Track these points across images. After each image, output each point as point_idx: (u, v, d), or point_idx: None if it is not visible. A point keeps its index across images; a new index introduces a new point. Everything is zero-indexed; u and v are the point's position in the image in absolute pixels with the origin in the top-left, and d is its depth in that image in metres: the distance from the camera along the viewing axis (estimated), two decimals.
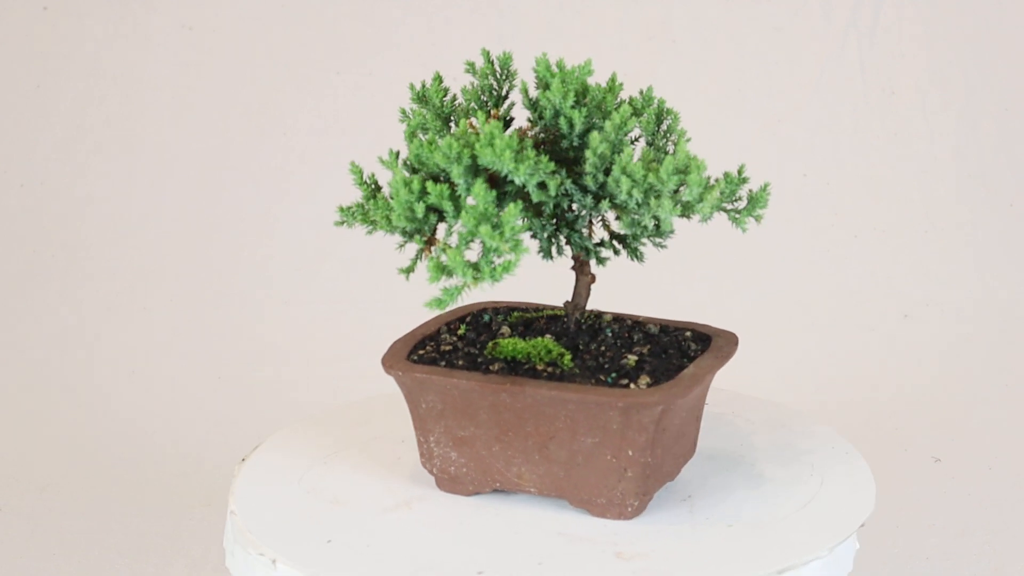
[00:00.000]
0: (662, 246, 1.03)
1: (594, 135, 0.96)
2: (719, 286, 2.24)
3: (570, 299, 1.09)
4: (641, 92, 1.04)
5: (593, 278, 1.08)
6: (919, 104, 2.33)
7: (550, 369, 1.03)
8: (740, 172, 1.02)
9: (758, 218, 1.02)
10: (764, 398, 1.34)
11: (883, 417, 2.00)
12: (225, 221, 2.31)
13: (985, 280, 2.24)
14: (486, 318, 1.15)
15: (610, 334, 1.08)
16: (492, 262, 0.91)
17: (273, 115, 2.35)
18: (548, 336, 1.07)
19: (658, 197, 0.95)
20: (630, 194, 0.95)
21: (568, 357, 1.04)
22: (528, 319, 1.13)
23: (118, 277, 2.26)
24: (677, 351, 1.07)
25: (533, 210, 1.01)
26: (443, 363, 1.06)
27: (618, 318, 1.13)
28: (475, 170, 0.97)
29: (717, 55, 2.34)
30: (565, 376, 1.02)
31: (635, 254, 1.04)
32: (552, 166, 0.96)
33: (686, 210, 0.96)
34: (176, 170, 2.34)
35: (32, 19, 2.36)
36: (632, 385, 1.00)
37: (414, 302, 2.22)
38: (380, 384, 2.11)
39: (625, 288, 2.05)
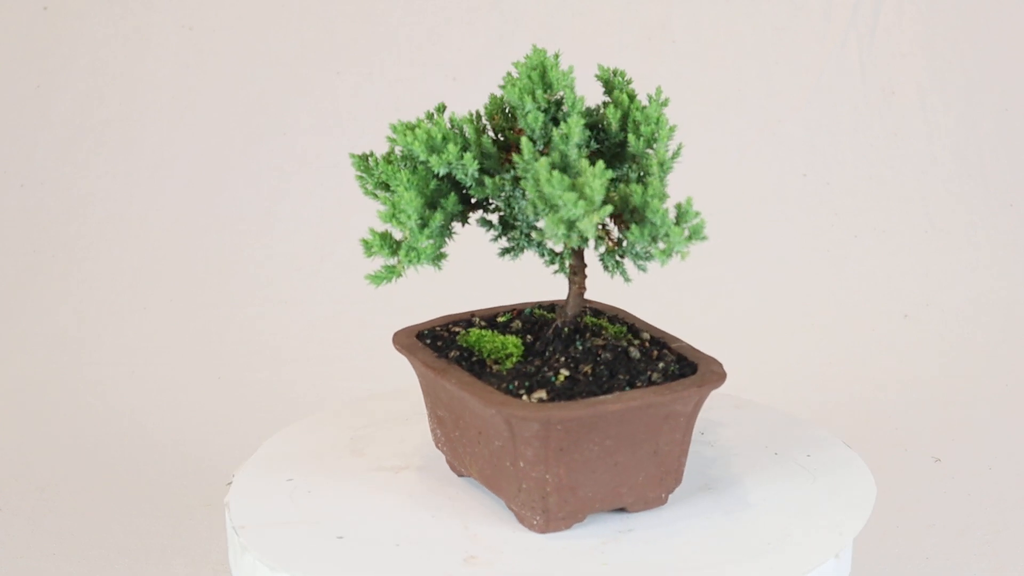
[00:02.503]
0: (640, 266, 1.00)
1: (524, 140, 0.96)
2: (719, 286, 2.24)
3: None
4: (627, 95, 1.03)
5: (582, 287, 1.06)
6: (919, 104, 2.33)
7: (496, 367, 1.03)
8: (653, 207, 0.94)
9: (682, 255, 0.96)
10: (759, 401, 1.34)
11: (883, 417, 2.00)
12: (225, 221, 2.31)
13: (985, 280, 2.24)
14: (527, 312, 1.16)
15: (579, 347, 1.04)
16: (412, 247, 0.97)
17: (273, 115, 2.35)
18: (516, 335, 1.08)
19: (554, 210, 0.93)
20: (532, 204, 0.94)
21: (513, 359, 1.04)
22: (535, 318, 1.13)
23: (118, 277, 2.26)
24: (629, 375, 1.01)
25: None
26: (432, 345, 1.09)
27: (595, 327, 1.10)
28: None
29: (717, 55, 2.34)
30: (486, 375, 1.02)
31: (614, 268, 1.01)
32: (475, 164, 0.98)
33: (570, 230, 0.92)
34: (176, 170, 2.34)
35: (32, 19, 2.36)
36: (529, 396, 0.98)
37: (414, 302, 2.22)
38: (380, 384, 2.11)
39: (625, 287, 2.05)
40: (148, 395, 2.07)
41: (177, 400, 2.05)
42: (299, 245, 2.29)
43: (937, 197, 2.30)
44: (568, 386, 0.99)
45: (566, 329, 1.06)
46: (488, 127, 1.05)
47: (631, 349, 1.04)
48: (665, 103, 1.01)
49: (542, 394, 0.98)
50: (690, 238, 0.92)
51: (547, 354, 1.04)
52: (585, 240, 0.93)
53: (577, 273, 1.06)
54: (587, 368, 1.01)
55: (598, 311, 1.16)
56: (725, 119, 2.33)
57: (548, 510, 1.01)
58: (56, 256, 2.29)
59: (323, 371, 2.10)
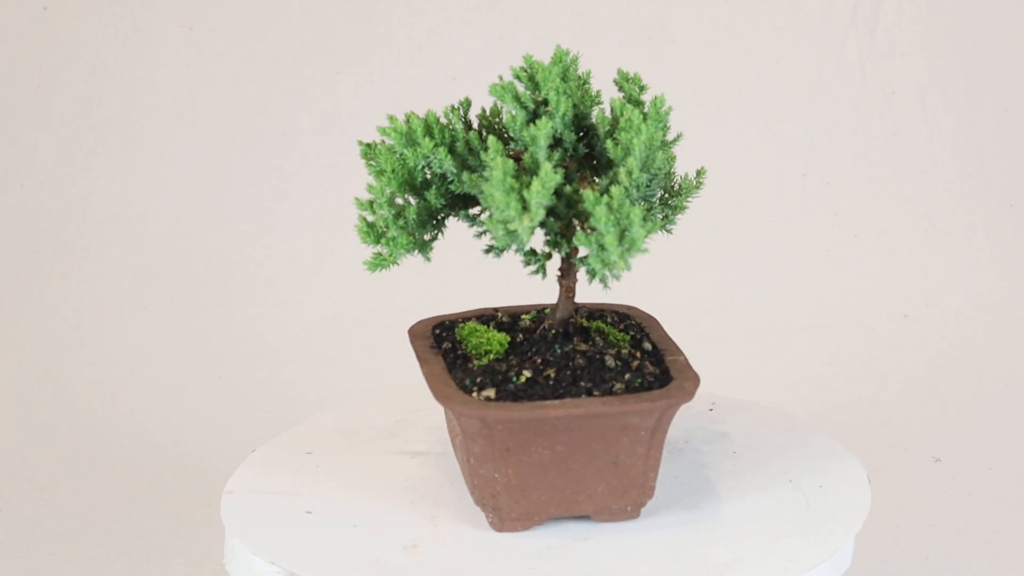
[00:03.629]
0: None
1: (492, 139, 0.96)
2: (718, 286, 2.24)
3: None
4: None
5: (570, 290, 1.06)
6: (919, 104, 2.33)
7: (474, 362, 1.04)
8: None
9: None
10: (756, 401, 1.34)
11: (883, 417, 1.99)
12: (225, 221, 2.31)
13: (985, 280, 2.24)
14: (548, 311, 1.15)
15: (558, 350, 1.04)
16: (390, 237, 1.00)
17: (273, 115, 2.35)
18: (506, 333, 1.08)
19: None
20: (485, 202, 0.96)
21: (491, 356, 1.05)
22: (536, 317, 1.13)
23: (118, 277, 2.26)
24: (592, 383, 1.00)
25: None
26: (436, 336, 1.11)
27: (596, 332, 1.08)
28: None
29: (717, 55, 2.34)
30: (457, 369, 1.03)
31: (590, 273, 1.00)
32: (448, 159, 0.99)
33: (508, 232, 0.93)
34: (176, 170, 2.34)
35: (32, 19, 2.36)
36: (479, 393, 0.99)
37: (414, 302, 2.22)
38: (380, 383, 2.11)
39: (624, 287, 2.05)
40: (148, 395, 2.06)
41: (177, 400, 2.05)
42: (299, 245, 2.29)
43: (937, 197, 2.30)
44: (524, 387, 0.99)
45: (552, 331, 1.06)
46: (488, 124, 1.06)
47: (607, 358, 1.02)
48: (659, 112, 0.99)
49: (490, 392, 0.99)
50: (628, 250, 0.91)
51: (528, 354, 1.04)
52: (522, 243, 0.93)
53: (565, 276, 1.05)
54: (551, 372, 1.01)
55: (604, 313, 1.14)
56: (725, 119, 2.32)
57: (499, 509, 1.02)
58: (56, 256, 2.29)
59: (323, 371, 2.10)
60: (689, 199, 1.08)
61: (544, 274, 1.04)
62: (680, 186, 1.08)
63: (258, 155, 2.34)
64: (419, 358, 1.07)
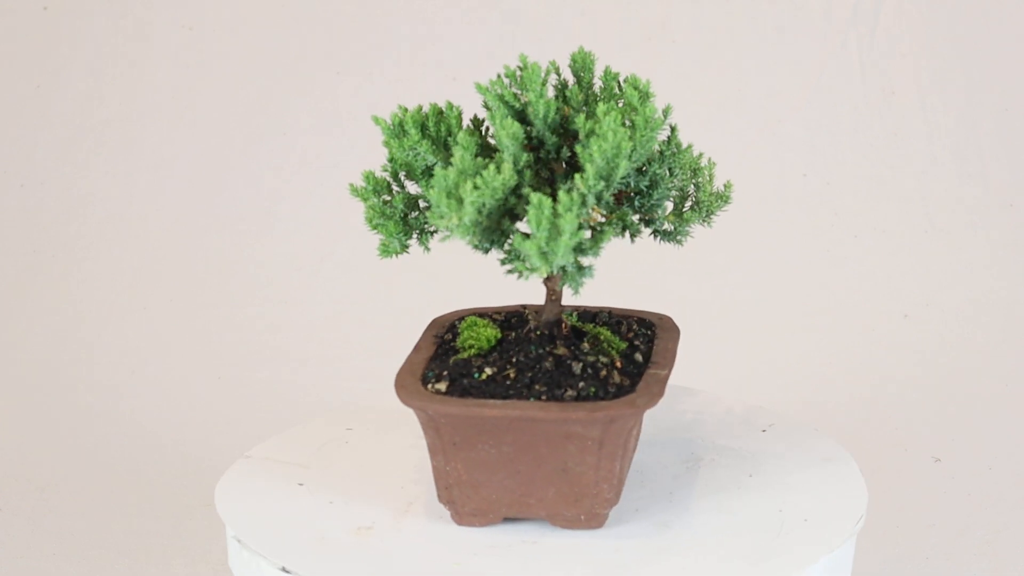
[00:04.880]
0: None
1: (462, 134, 0.98)
2: (718, 286, 2.24)
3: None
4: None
5: (553, 292, 1.06)
6: (919, 104, 2.33)
7: (460, 353, 1.05)
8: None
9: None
10: (753, 401, 1.34)
11: (883, 417, 2.00)
12: (225, 221, 2.31)
13: (985, 280, 2.24)
14: (567, 314, 1.15)
15: (533, 351, 1.04)
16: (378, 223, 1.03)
17: (273, 115, 2.35)
18: (499, 330, 1.09)
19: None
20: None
21: (473, 351, 1.05)
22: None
23: (118, 277, 2.26)
24: (547, 387, 1.00)
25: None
26: (447, 328, 1.13)
27: (589, 338, 1.08)
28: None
29: (717, 55, 2.34)
30: (437, 360, 1.05)
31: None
32: (429, 153, 1.01)
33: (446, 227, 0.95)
34: (176, 170, 2.34)
35: (32, 19, 2.37)
36: (433, 385, 1.01)
37: (414, 302, 2.22)
38: (381, 384, 2.11)
39: (624, 286, 2.05)
40: (148, 395, 2.06)
41: (177, 400, 2.05)
42: (299, 245, 2.29)
43: (937, 197, 2.30)
44: (481, 384, 1.00)
45: (535, 333, 1.05)
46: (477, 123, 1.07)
47: (574, 364, 1.02)
48: (648, 121, 0.97)
49: (442, 386, 1.00)
50: (547, 256, 0.91)
51: (507, 354, 1.04)
52: (465, 237, 0.95)
53: (551, 279, 1.05)
54: (511, 372, 1.01)
55: (624, 318, 1.13)
56: (725, 119, 2.33)
57: (454, 502, 1.03)
58: (56, 256, 2.29)
59: (323, 371, 2.10)
60: (705, 217, 1.07)
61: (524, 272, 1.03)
62: (700, 199, 1.07)
63: (258, 155, 2.34)
64: (415, 346, 1.08)
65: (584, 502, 1.01)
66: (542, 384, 1.00)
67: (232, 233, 2.30)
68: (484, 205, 0.94)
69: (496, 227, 0.97)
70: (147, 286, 2.26)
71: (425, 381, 1.02)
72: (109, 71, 2.36)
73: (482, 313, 1.14)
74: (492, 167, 0.93)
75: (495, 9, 2.35)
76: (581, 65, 1.06)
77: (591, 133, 0.96)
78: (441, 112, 1.04)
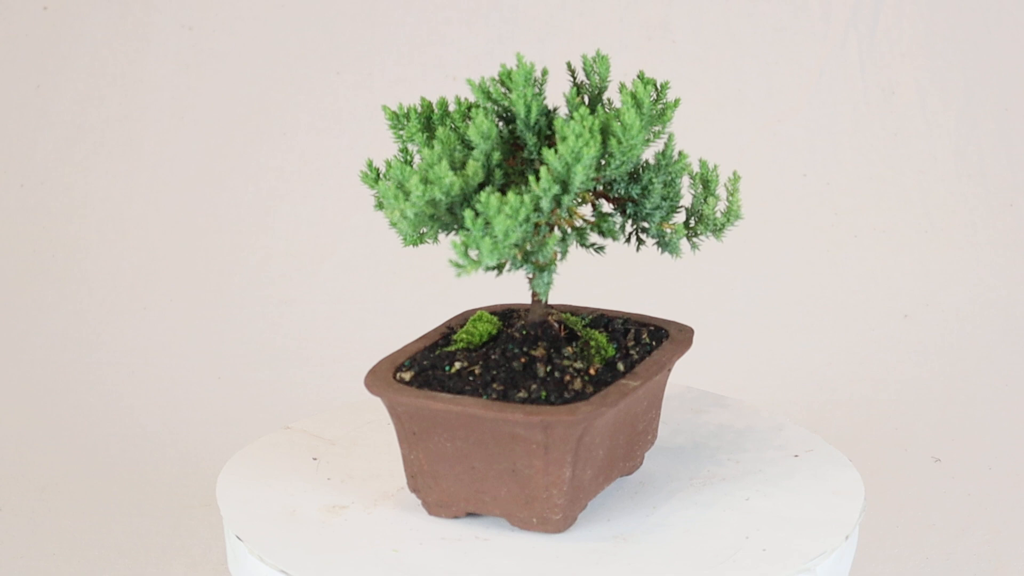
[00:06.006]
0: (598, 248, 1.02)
1: (441, 129, 1.00)
2: (718, 286, 2.24)
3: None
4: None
5: (536, 294, 1.05)
6: (919, 104, 2.33)
7: (459, 345, 1.06)
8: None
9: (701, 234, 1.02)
10: (747, 401, 1.34)
11: (883, 417, 1.99)
12: (225, 221, 2.31)
13: (985, 280, 2.24)
14: (582, 317, 1.16)
15: (512, 348, 1.04)
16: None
17: (273, 115, 2.35)
18: (494, 326, 1.09)
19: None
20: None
21: (460, 344, 1.06)
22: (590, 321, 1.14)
23: (118, 277, 2.26)
24: (504, 387, 1.01)
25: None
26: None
27: (580, 342, 1.07)
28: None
29: (717, 55, 2.34)
30: (426, 351, 1.06)
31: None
32: (424, 146, 1.01)
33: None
34: (176, 170, 2.34)
35: (32, 19, 2.36)
36: (400, 374, 1.03)
37: (414, 302, 2.22)
38: None
39: (623, 286, 2.05)
40: (148, 395, 2.06)
41: (177, 400, 2.05)
42: (299, 245, 2.29)
43: (937, 197, 2.30)
44: (447, 377, 1.01)
45: (519, 333, 1.06)
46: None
47: (539, 366, 1.02)
48: (627, 133, 0.96)
49: (407, 375, 1.02)
50: (469, 256, 0.92)
51: (489, 350, 1.05)
52: (402, 231, 0.96)
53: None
54: (476, 368, 1.02)
55: (635, 325, 1.12)
56: (725, 119, 2.32)
57: (419, 490, 1.05)
58: (56, 256, 2.29)
59: (323, 371, 2.10)
60: (715, 230, 1.07)
61: (500, 272, 1.03)
62: (704, 213, 1.06)
63: (258, 155, 2.34)
64: (423, 335, 1.10)
65: (535, 505, 1.01)
66: (500, 383, 1.00)
67: (232, 233, 2.30)
68: (435, 200, 0.95)
69: (455, 221, 0.98)
70: (147, 286, 2.26)
71: (399, 370, 1.03)
72: (109, 71, 2.36)
73: (495, 310, 1.15)
74: (444, 163, 0.94)
75: (495, 9, 2.35)
76: (590, 68, 1.06)
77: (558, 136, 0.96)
78: (446, 108, 1.04)
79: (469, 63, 2.31)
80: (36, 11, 2.36)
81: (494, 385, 1.00)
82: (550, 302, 1.13)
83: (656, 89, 1.03)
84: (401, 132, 1.04)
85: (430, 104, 1.04)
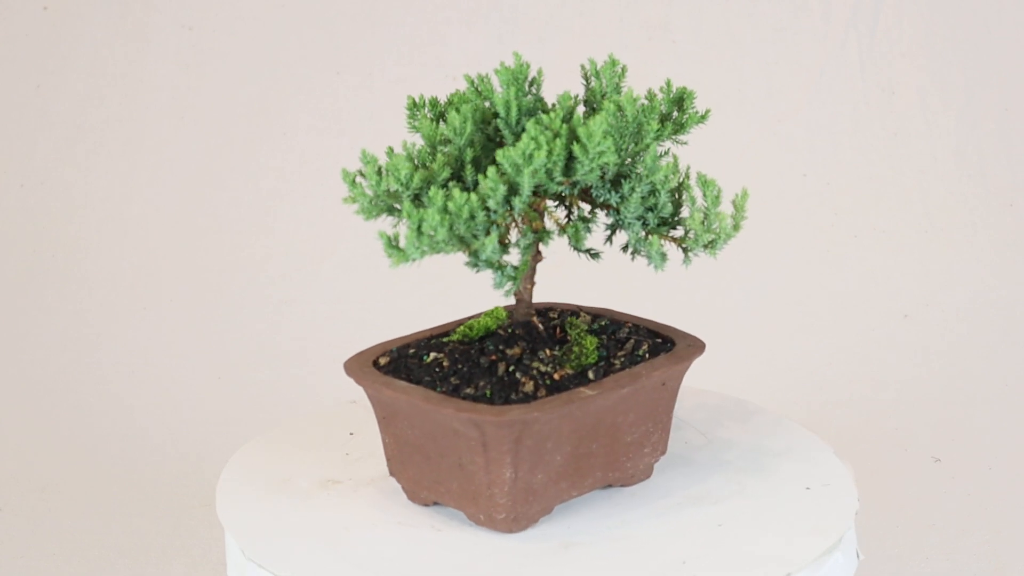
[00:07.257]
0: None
1: (425, 123, 1.03)
2: (718, 286, 2.24)
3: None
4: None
5: (520, 294, 1.06)
6: (919, 104, 2.33)
7: (459, 337, 1.08)
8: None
9: (710, 251, 1.01)
10: (744, 399, 1.33)
11: (883, 417, 2.00)
12: (225, 221, 2.31)
13: (985, 280, 2.25)
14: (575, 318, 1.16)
15: (490, 345, 1.04)
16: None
17: (273, 115, 2.35)
18: (489, 321, 1.10)
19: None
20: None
21: (455, 337, 1.08)
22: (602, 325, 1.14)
23: (118, 277, 2.27)
24: (460, 381, 1.01)
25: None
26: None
27: (568, 344, 1.06)
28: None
29: (717, 55, 2.34)
30: (422, 342, 1.08)
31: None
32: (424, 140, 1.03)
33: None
34: (176, 170, 2.34)
35: (32, 19, 2.37)
36: (381, 359, 1.06)
37: (414, 302, 2.21)
38: None
39: (624, 285, 2.05)
40: (148, 395, 2.07)
41: (177, 400, 2.05)
42: (299, 245, 2.29)
43: (937, 197, 2.30)
44: (414, 366, 1.03)
45: (505, 331, 1.06)
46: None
47: (500, 364, 1.01)
48: (591, 143, 0.95)
49: (384, 360, 1.05)
50: (416, 249, 0.93)
51: (471, 344, 1.06)
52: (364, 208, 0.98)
53: (527, 279, 1.06)
54: (445, 360, 1.03)
55: (641, 333, 1.11)
56: (725, 119, 2.33)
57: (394, 474, 1.07)
58: (56, 256, 2.29)
59: (323, 371, 2.10)
60: (707, 246, 1.07)
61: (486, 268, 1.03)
62: (689, 226, 1.05)
63: (258, 155, 2.34)
64: (440, 324, 1.12)
65: (480, 503, 1.00)
66: (458, 378, 1.01)
67: (232, 233, 2.30)
68: (389, 192, 0.96)
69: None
70: (147, 286, 2.26)
71: (383, 356, 1.06)
72: (109, 71, 2.36)
73: (539, 308, 1.15)
74: (401, 158, 0.95)
75: (495, 9, 2.35)
76: (594, 72, 1.06)
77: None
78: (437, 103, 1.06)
79: (469, 63, 2.32)
80: (36, 11, 2.36)
81: (452, 379, 1.01)
82: (586, 303, 1.15)
83: (677, 100, 1.03)
84: (415, 123, 1.05)
85: (436, 99, 1.05)
